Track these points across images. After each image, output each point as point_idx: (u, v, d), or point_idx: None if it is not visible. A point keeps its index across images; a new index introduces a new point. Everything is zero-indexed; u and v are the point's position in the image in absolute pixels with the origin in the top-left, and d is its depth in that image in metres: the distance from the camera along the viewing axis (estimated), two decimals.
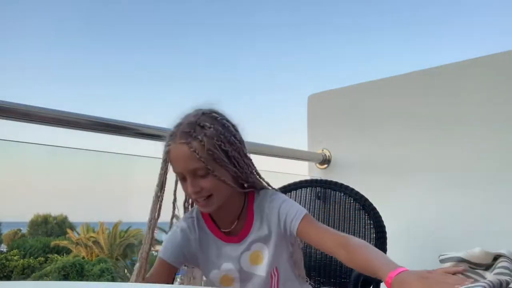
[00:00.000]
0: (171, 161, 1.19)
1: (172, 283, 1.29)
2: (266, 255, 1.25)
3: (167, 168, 1.20)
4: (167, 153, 1.18)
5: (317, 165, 2.64)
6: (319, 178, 1.88)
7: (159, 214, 1.23)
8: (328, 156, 2.61)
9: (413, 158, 2.32)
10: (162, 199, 1.23)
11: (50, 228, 24.31)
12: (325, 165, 2.62)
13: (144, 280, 1.19)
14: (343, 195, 1.75)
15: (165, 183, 1.22)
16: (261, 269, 1.26)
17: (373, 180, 2.40)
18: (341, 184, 1.77)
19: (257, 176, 1.28)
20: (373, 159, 2.47)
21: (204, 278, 1.34)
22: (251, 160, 1.26)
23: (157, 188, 1.22)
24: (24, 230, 24.51)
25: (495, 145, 2.08)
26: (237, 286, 1.28)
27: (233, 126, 1.23)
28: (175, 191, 1.27)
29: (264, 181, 1.30)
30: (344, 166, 2.55)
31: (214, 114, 1.20)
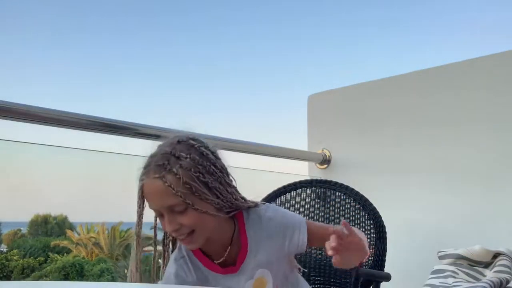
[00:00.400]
0: (146, 197, 1.08)
1: None
2: (270, 279, 1.18)
3: (143, 204, 1.10)
4: (141, 188, 1.08)
5: (317, 165, 2.64)
6: (319, 178, 1.88)
7: (141, 252, 1.16)
8: (328, 156, 2.61)
9: (413, 158, 2.32)
10: (140, 237, 1.15)
11: (50, 228, 24.31)
12: (325, 165, 2.62)
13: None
14: (343, 195, 1.75)
15: (141, 221, 1.13)
16: None
17: (373, 180, 2.40)
18: (341, 184, 1.77)
19: (242, 200, 1.16)
20: (373, 159, 2.47)
21: None
22: (235, 187, 1.15)
23: (137, 228, 1.14)
24: (24, 230, 24.51)
25: (495, 145, 2.08)
26: None
27: (213, 153, 1.12)
28: (154, 227, 1.17)
29: (249, 201, 1.19)
30: (344, 166, 2.55)
31: (191, 142, 1.10)
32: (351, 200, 1.73)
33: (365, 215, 1.69)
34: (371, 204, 1.70)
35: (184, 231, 1.08)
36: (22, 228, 24.77)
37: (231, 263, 1.17)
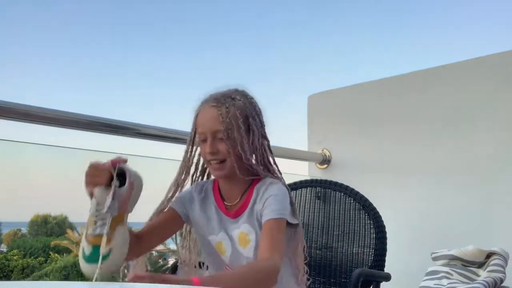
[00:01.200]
0: (198, 122, 1.28)
1: (173, 233, 1.36)
2: (253, 239, 1.27)
3: (195, 132, 1.29)
4: (196, 115, 1.28)
5: (317, 165, 2.64)
6: (319, 178, 1.88)
7: (184, 179, 1.33)
8: (328, 156, 2.61)
9: (413, 158, 2.32)
10: (191, 160, 1.33)
11: (50, 228, 24.30)
12: (325, 165, 2.62)
13: (151, 220, 1.31)
14: (343, 195, 1.75)
15: (193, 146, 1.31)
16: (248, 252, 1.28)
17: (373, 180, 2.40)
18: (341, 184, 1.77)
19: (270, 161, 1.33)
20: (373, 159, 2.47)
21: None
22: (268, 142, 1.32)
23: (185, 153, 1.32)
24: (24, 230, 24.49)
25: (495, 145, 2.08)
26: (227, 258, 1.30)
27: (259, 109, 1.32)
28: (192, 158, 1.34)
29: (276, 169, 1.34)
30: (344, 166, 2.55)
31: (245, 93, 1.31)
32: (351, 200, 1.73)
33: (365, 215, 1.69)
34: (371, 204, 1.70)
35: (219, 157, 1.25)
36: (22, 228, 24.76)
37: (232, 210, 1.32)
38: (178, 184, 1.33)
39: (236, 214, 1.30)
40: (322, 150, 2.63)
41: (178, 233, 1.39)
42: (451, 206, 2.16)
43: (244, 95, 1.30)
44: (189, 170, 1.35)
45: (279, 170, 1.35)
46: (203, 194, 1.35)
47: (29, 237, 23.01)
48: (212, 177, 1.38)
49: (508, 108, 2.06)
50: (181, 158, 1.37)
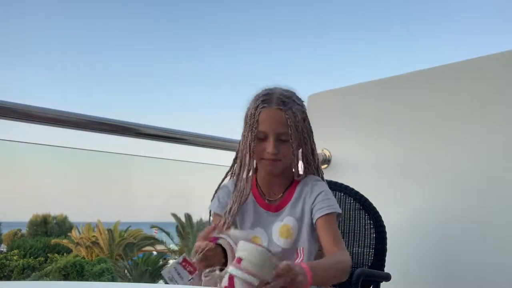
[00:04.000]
0: (261, 121, 1.29)
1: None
2: (295, 232, 1.32)
3: (257, 128, 1.29)
4: (258, 114, 1.29)
5: None
6: None
7: (241, 171, 1.35)
8: (328, 156, 2.61)
9: (413, 158, 2.32)
10: (251, 155, 1.31)
11: (50, 228, 24.28)
12: (325, 165, 2.62)
13: (205, 233, 1.23)
14: (343, 195, 1.75)
15: (253, 140, 1.30)
16: (288, 243, 1.32)
17: (373, 180, 2.39)
18: (341, 184, 1.77)
19: (317, 162, 1.42)
20: (373, 159, 2.47)
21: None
22: (315, 147, 1.43)
23: (243, 145, 1.32)
24: (24, 230, 24.47)
25: (495, 145, 2.08)
26: None
27: None
28: (249, 146, 1.33)
29: (320, 168, 1.43)
30: (344, 166, 2.55)
31: (298, 95, 1.37)
32: (351, 200, 1.73)
33: (365, 215, 1.69)
34: (371, 204, 1.70)
35: (279, 157, 1.30)
36: (22, 228, 24.76)
37: (273, 204, 1.37)
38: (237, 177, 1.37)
39: (278, 208, 1.36)
40: (322, 150, 2.63)
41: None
42: (452, 206, 2.16)
43: (299, 98, 1.37)
44: (244, 163, 1.36)
45: (322, 170, 1.44)
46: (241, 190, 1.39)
47: (28, 237, 22.98)
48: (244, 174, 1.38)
49: (509, 108, 2.06)
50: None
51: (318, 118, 2.74)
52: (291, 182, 1.39)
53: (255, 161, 1.37)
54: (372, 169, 2.45)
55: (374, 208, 1.69)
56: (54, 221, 24.88)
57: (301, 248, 1.32)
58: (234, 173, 1.40)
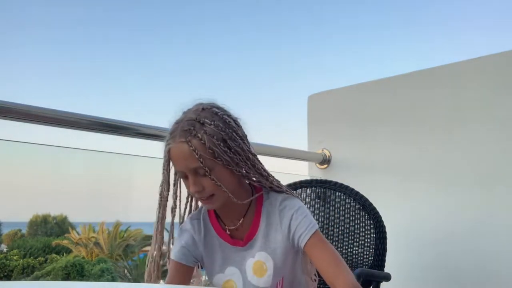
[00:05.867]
0: (172, 160, 1.16)
1: (188, 283, 1.25)
2: (270, 267, 1.20)
3: (169, 167, 1.19)
4: (168, 152, 1.15)
5: (317, 165, 2.64)
6: (319, 178, 1.88)
7: (164, 215, 1.21)
8: (328, 156, 2.61)
9: (413, 158, 2.32)
10: (167, 199, 1.22)
11: (50, 228, 24.29)
12: (325, 165, 2.61)
13: (165, 283, 1.18)
14: (343, 195, 1.75)
15: (169, 182, 1.21)
16: (264, 281, 1.21)
17: (373, 180, 2.40)
18: (341, 184, 1.77)
19: (264, 174, 1.22)
20: (373, 159, 2.47)
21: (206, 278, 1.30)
22: (256, 156, 1.20)
23: (161, 188, 1.21)
24: (24, 230, 24.47)
25: (495, 145, 2.08)
26: None
27: (235, 121, 1.17)
28: (175, 192, 1.24)
29: (273, 179, 1.24)
30: (344, 166, 2.55)
31: (214, 109, 1.16)
32: (351, 200, 1.73)
33: (365, 215, 1.69)
34: (371, 204, 1.70)
35: (206, 194, 1.14)
36: (22, 228, 24.74)
37: (239, 238, 1.23)
38: (160, 224, 1.22)
39: (246, 240, 1.22)
40: (322, 150, 2.63)
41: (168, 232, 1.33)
42: (452, 205, 2.16)
43: (213, 113, 1.14)
44: (173, 205, 1.24)
45: (277, 180, 1.25)
46: (203, 231, 1.25)
47: (28, 237, 22.98)
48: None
49: (508, 108, 2.06)
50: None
51: (318, 118, 2.76)
52: (250, 203, 1.22)
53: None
54: (372, 169, 2.45)
55: (374, 208, 1.69)
56: (54, 221, 24.86)
57: (280, 280, 1.23)
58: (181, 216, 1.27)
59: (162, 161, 1.21)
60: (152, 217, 1.24)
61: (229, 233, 1.24)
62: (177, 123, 1.16)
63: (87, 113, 1.64)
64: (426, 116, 2.29)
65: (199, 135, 1.10)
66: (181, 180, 1.20)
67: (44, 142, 1.78)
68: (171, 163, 1.18)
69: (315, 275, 1.34)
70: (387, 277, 1.57)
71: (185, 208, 1.29)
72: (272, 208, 1.21)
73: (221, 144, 1.11)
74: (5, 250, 20.84)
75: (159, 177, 1.23)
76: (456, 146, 2.18)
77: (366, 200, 1.71)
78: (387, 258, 1.65)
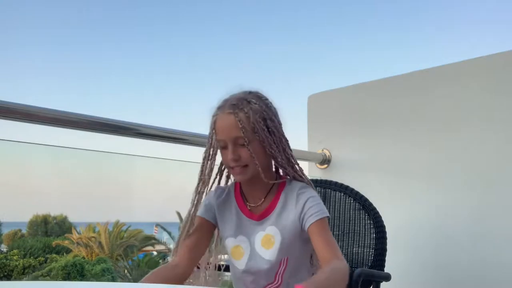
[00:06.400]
0: (216, 129, 1.27)
1: (210, 241, 1.37)
2: (278, 241, 1.29)
3: (213, 136, 1.29)
4: (214, 122, 1.27)
5: (317, 165, 2.64)
6: (319, 178, 1.88)
7: (209, 178, 1.32)
8: (328, 156, 2.61)
9: (413, 158, 2.32)
10: (212, 166, 1.32)
11: (50, 228, 24.28)
12: (325, 165, 2.62)
13: (187, 236, 1.30)
14: (343, 195, 1.75)
15: (212, 151, 1.31)
16: (270, 254, 1.29)
17: (373, 180, 2.40)
18: (341, 184, 1.77)
19: (291, 160, 1.33)
20: (373, 159, 2.47)
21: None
22: (287, 142, 1.33)
23: (205, 154, 1.31)
24: (24, 230, 24.46)
25: (495, 145, 2.08)
26: (244, 262, 1.32)
27: (275, 108, 1.32)
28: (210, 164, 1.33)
29: (298, 168, 1.34)
30: (344, 166, 2.55)
31: (259, 94, 1.31)
32: (351, 200, 1.73)
33: (365, 215, 1.69)
34: (371, 204, 1.70)
35: (241, 163, 1.26)
36: (22, 228, 24.75)
37: (256, 213, 1.34)
38: (199, 192, 1.32)
39: (261, 217, 1.32)
40: (322, 150, 2.63)
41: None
42: (451, 206, 2.16)
43: (259, 97, 1.30)
44: (210, 176, 1.34)
45: (301, 169, 1.36)
46: (223, 197, 1.37)
47: (28, 237, 22.98)
48: (232, 180, 1.39)
49: (508, 108, 2.06)
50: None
51: (318, 118, 2.76)
52: (272, 186, 1.34)
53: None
54: (372, 169, 2.45)
55: (374, 208, 1.69)
56: (54, 221, 24.87)
57: (285, 259, 1.30)
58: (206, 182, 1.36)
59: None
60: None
61: (249, 208, 1.34)
62: (226, 100, 1.29)
63: (87, 113, 1.64)
64: (426, 116, 2.29)
65: (245, 109, 1.24)
66: (220, 150, 1.30)
67: (44, 142, 1.78)
68: (214, 134, 1.28)
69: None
70: (387, 277, 1.57)
71: (214, 178, 1.39)
72: (291, 192, 1.31)
73: (261, 122, 1.25)
74: (5, 250, 20.84)
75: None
76: (456, 146, 2.18)
77: (366, 200, 1.71)
78: (387, 258, 1.65)
